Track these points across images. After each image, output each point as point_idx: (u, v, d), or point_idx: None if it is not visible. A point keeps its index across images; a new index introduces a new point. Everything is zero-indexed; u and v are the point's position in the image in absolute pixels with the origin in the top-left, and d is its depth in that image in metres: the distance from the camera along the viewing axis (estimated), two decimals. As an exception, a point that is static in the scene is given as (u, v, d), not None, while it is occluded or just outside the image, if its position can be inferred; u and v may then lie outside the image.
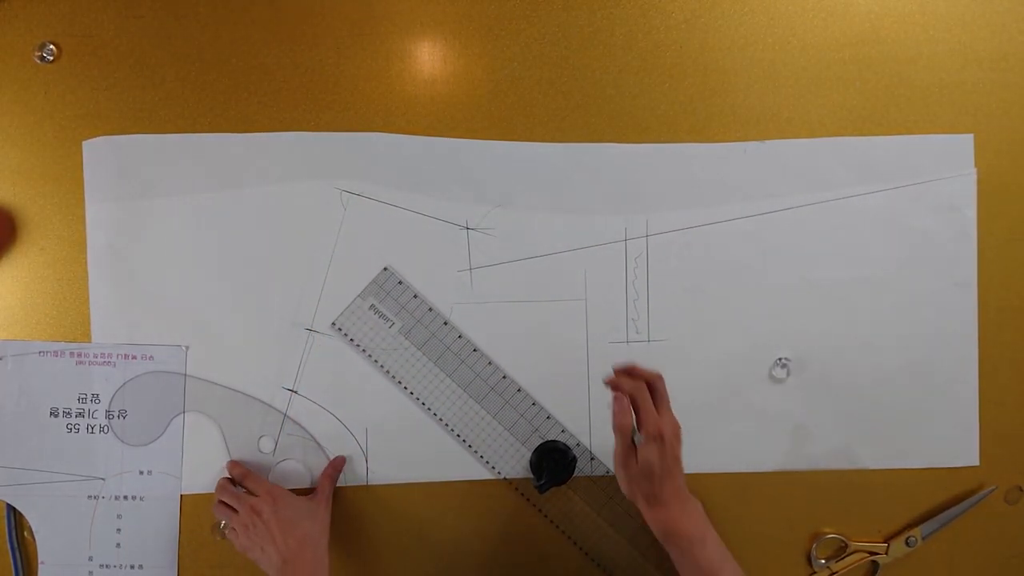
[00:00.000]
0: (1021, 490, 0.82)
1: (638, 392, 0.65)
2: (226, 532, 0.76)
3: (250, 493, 0.74)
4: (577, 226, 0.79)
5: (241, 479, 0.76)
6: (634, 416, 0.66)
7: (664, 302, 0.79)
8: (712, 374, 0.80)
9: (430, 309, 0.79)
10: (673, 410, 0.68)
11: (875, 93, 0.79)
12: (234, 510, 0.73)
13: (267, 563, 0.70)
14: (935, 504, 0.81)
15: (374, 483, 0.79)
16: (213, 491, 0.77)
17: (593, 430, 0.79)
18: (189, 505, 0.78)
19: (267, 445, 0.78)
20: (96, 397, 0.78)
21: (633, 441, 0.65)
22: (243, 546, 0.72)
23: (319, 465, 0.78)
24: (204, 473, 0.78)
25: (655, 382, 0.66)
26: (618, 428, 0.65)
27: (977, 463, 0.81)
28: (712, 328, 0.79)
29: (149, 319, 0.78)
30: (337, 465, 0.77)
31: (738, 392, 0.80)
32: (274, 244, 0.78)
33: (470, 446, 0.79)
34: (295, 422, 0.78)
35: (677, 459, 0.65)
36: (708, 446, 0.79)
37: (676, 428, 0.66)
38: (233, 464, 0.77)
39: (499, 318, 0.79)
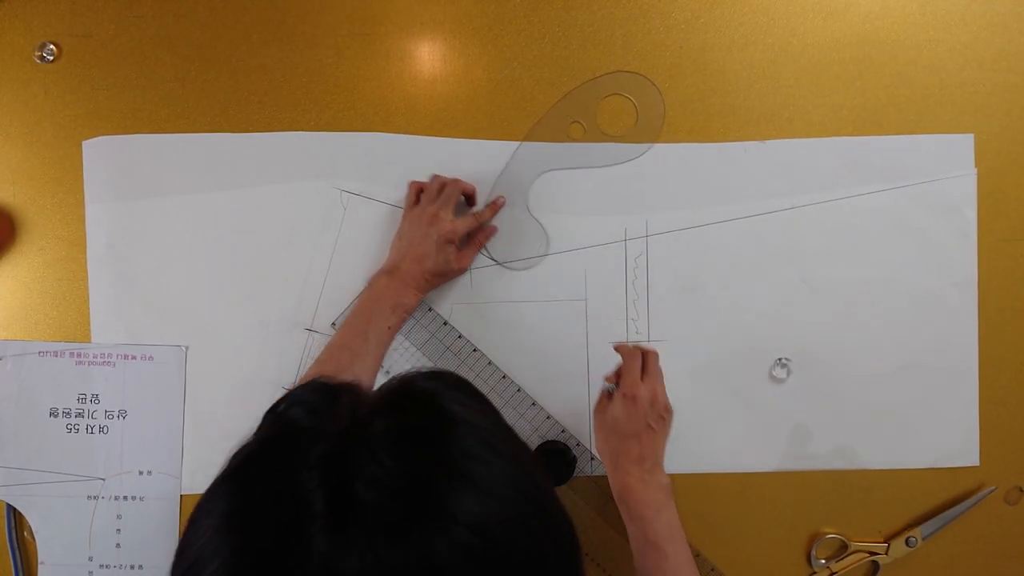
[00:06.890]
0: (1021, 490, 0.81)
1: (630, 357, 0.69)
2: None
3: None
4: (577, 226, 0.79)
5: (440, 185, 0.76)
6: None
7: (664, 302, 0.79)
8: (712, 374, 0.79)
9: (430, 309, 0.78)
10: (672, 410, 0.68)
11: (875, 93, 0.79)
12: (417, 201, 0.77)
13: (397, 243, 0.76)
14: (935, 504, 0.81)
15: (374, 483, 0.79)
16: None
17: (593, 430, 0.79)
18: (189, 505, 0.78)
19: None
20: (96, 397, 0.78)
21: (610, 394, 0.69)
22: (410, 213, 0.76)
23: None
24: (204, 473, 0.78)
25: (648, 356, 0.69)
26: (605, 378, 0.70)
27: (977, 463, 0.80)
28: (712, 328, 0.79)
29: (149, 319, 0.78)
30: (489, 233, 0.78)
31: (738, 392, 0.80)
32: (274, 244, 0.78)
33: (470, 446, 0.79)
34: (295, 422, 0.78)
35: (650, 428, 0.67)
36: (708, 446, 0.79)
37: (656, 398, 0.67)
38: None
39: (499, 318, 0.79)
